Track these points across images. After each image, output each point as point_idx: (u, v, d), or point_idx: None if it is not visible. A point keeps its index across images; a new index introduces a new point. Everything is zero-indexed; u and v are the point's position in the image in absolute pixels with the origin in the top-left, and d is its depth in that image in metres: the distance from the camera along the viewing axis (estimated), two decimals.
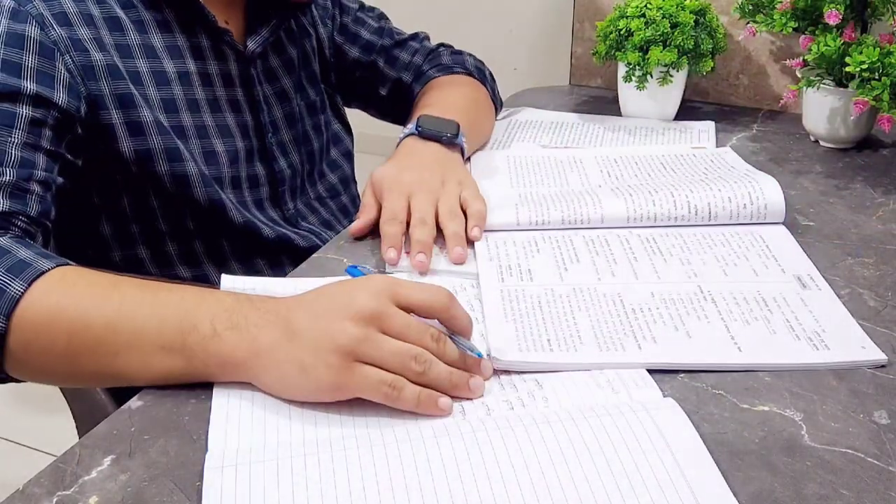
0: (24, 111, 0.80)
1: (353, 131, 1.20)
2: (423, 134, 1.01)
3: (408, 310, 0.67)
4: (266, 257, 0.98)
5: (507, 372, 0.70)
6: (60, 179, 0.82)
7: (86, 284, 0.69)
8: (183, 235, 0.93)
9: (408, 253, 0.86)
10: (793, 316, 0.78)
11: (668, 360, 0.71)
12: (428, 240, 0.86)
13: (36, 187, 0.78)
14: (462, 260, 0.87)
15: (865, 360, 0.72)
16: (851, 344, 0.74)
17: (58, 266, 0.70)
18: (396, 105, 1.21)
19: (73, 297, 0.68)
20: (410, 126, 1.02)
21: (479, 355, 0.69)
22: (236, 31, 0.97)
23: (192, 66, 0.93)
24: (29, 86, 0.80)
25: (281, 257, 0.99)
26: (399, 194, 0.90)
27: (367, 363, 0.64)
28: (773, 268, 0.86)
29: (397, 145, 1.02)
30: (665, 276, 0.85)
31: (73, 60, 0.83)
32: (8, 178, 0.76)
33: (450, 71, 1.19)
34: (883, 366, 0.72)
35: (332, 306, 0.66)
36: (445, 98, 1.11)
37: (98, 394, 0.93)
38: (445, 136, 1.01)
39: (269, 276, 0.97)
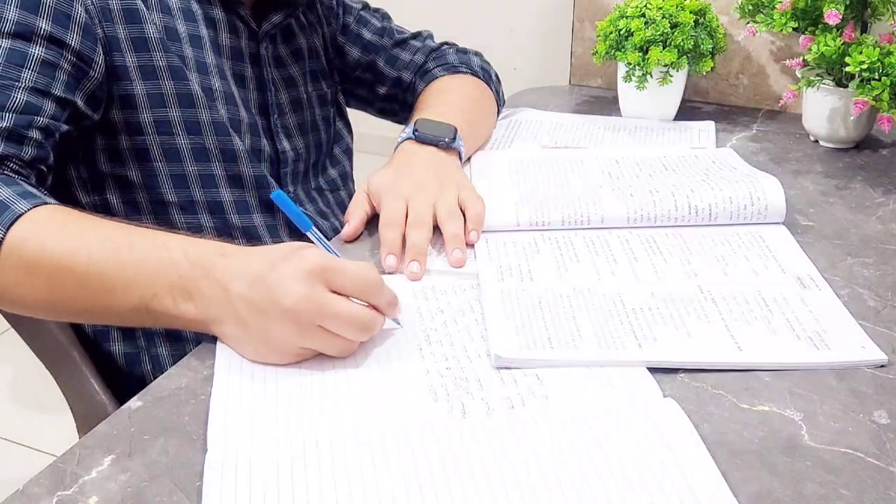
0: (37, 51, 0.80)
1: (353, 130, 1.20)
2: (420, 138, 1.00)
3: (338, 292, 0.70)
4: (264, 216, 0.97)
5: (508, 368, 0.70)
6: (66, 127, 0.82)
7: (55, 241, 0.72)
8: (189, 208, 0.93)
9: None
10: (793, 316, 0.78)
11: (668, 359, 0.71)
12: (423, 244, 0.86)
13: (35, 133, 0.79)
14: (461, 264, 0.86)
15: (865, 360, 0.72)
16: (851, 344, 0.74)
17: (34, 207, 0.73)
18: (396, 104, 1.21)
19: (43, 250, 0.72)
20: (408, 130, 1.02)
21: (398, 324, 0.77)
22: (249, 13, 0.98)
23: (203, 31, 0.93)
24: (44, 25, 0.80)
25: (276, 216, 0.98)
26: (397, 199, 0.90)
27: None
28: (773, 268, 0.86)
29: (395, 149, 1.01)
30: (665, 276, 0.85)
31: (91, 2, 0.84)
32: (7, 123, 0.77)
33: (455, 70, 1.18)
34: (883, 366, 0.72)
35: (269, 299, 0.68)
36: (447, 99, 1.10)
37: (98, 394, 0.93)
38: (442, 140, 1.00)
39: (264, 236, 0.97)
